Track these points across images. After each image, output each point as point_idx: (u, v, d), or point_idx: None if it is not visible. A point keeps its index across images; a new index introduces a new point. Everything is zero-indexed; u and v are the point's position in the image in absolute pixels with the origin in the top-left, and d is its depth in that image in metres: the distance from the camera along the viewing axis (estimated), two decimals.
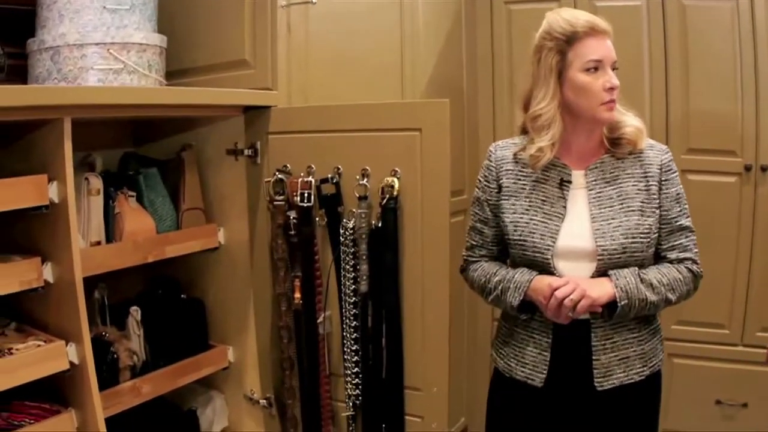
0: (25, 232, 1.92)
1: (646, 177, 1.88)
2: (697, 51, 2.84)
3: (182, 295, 2.40)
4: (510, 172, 1.95)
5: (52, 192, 1.81)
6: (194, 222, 2.31)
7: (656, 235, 1.87)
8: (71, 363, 1.86)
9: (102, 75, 2.03)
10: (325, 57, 2.39)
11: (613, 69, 1.83)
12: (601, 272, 1.84)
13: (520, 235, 1.90)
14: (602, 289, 1.80)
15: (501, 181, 1.96)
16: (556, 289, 1.78)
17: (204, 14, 2.39)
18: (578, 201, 1.89)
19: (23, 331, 1.93)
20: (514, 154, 1.95)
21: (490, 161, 1.99)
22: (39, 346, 1.83)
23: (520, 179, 1.94)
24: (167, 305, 2.34)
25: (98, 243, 2.05)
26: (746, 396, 2.95)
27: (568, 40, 1.82)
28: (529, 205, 1.91)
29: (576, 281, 1.79)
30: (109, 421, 1.98)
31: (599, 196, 1.88)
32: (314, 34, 2.33)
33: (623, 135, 1.89)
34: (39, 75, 2.03)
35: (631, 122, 1.90)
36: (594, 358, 1.88)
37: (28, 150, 1.89)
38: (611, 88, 1.81)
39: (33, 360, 1.79)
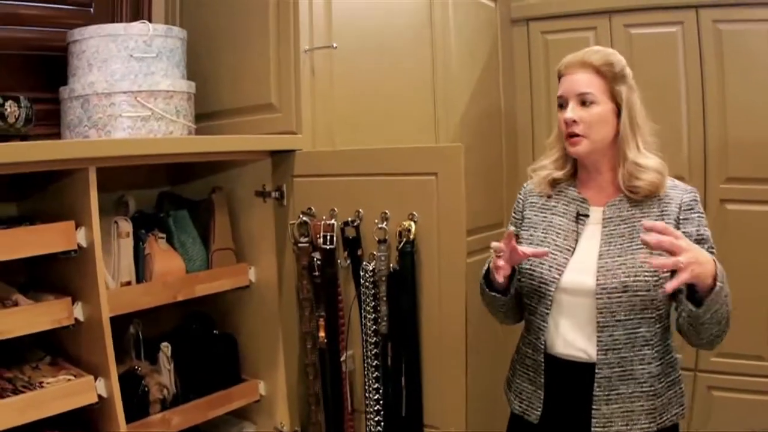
0: (58, 274, 2.04)
1: (662, 216, 1.85)
2: (734, 77, 2.81)
3: (215, 331, 2.48)
4: (534, 204, 2.05)
5: (80, 237, 1.92)
6: (224, 261, 2.39)
7: (667, 274, 1.76)
8: (100, 396, 1.95)
9: (130, 122, 2.14)
10: (352, 99, 2.45)
11: (583, 103, 1.88)
12: (601, 311, 1.82)
13: (530, 266, 1.93)
14: (707, 268, 1.64)
15: (525, 212, 2.06)
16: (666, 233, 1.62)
17: (232, 58, 2.48)
18: (592, 237, 1.91)
19: (56, 364, 2.04)
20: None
21: (520, 193, 2.13)
22: (69, 380, 1.93)
23: (542, 211, 2.02)
24: (200, 340, 2.42)
25: (128, 283, 2.14)
26: None
27: (558, 78, 1.98)
28: (545, 237, 1.96)
29: (695, 250, 1.63)
30: None
31: (611, 234, 1.88)
32: (340, 77, 2.39)
33: (639, 188, 1.87)
34: (70, 122, 2.15)
35: (646, 174, 1.86)
36: (594, 407, 1.85)
37: (60, 195, 2.00)
38: (566, 122, 1.89)
39: (62, 393, 1.89)
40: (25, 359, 2.02)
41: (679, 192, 1.89)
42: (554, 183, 2.03)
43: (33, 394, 1.84)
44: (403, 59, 2.66)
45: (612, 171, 1.93)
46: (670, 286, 1.60)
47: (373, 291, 2.17)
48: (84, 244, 1.92)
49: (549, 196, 2.01)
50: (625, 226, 1.87)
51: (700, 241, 1.81)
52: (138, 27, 2.15)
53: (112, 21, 2.42)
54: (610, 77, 1.87)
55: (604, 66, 1.87)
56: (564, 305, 1.90)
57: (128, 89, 2.13)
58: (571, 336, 1.90)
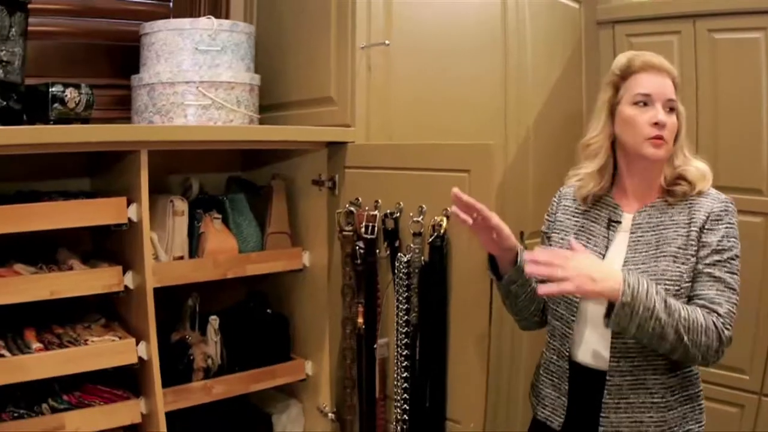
0: (115, 245, 2.25)
1: (690, 223, 1.80)
2: None
3: (268, 310, 2.62)
4: (567, 208, 2.02)
5: (131, 212, 2.10)
6: (279, 244, 2.52)
7: (689, 284, 1.75)
8: (140, 358, 2.14)
9: (192, 110, 2.32)
10: (412, 95, 2.51)
11: (670, 110, 1.83)
12: None
13: None
14: (594, 285, 1.63)
15: (557, 215, 2.04)
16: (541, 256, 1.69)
17: (297, 53, 2.61)
18: (621, 244, 1.88)
19: (108, 327, 2.24)
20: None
21: (555, 197, 2.10)
22: (113, 341, 2.12)
23: (575, 216, 2.00)
24: (253, 317, 2.58)
25: (181, 258, 2.32)
26: None
27: (623, 75, 1.89)
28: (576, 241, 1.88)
29: (572, 260, 1.66)
30: (195, 411, 2.31)
31: (638, 241, 1.84)
32: (398, 74, 2.46)
33: (684, 174, 1.84)
34: (138, 108, 2.35)
35: (695, 164, 1.86)
36: (602, 415, 1.82)
37: (119, 174, 2.20)
38: (656, 123, 1.80)
39: (102, 352, 2.08)
40: (81, 320, 2.23)
41: (710, 201, 1.82)
42: (591, 198, 1.97)
43: (74, 349, 2.04)
44: (470, 59, 2.68)
45: (657, 176, 1.87)
46: (542, 290, 1.65)
47: (406, 282, 2.22)
48: (135, 218, 2.10)
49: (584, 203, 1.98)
50: (653, 233, 1.84)
51: (719, 251, 1.76)
52: (203, 22, 2.33)
53: (190, 16, 2.60)
54: (677, 87, 1.87)
55: (676, 77, 1.88)
56: (589, 312, 1.87)
57: (190, 79, 2.31)
58: (594, 344, 1.87)
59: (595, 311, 1.83)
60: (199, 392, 2.32)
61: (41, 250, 2.17)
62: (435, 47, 2.57)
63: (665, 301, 1.66)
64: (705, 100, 2.74)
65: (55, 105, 2.03)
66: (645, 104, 1.83)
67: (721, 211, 1.80)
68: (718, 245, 1.77)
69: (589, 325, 1.88)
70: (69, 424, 2.03)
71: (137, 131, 2.10)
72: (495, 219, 1.86)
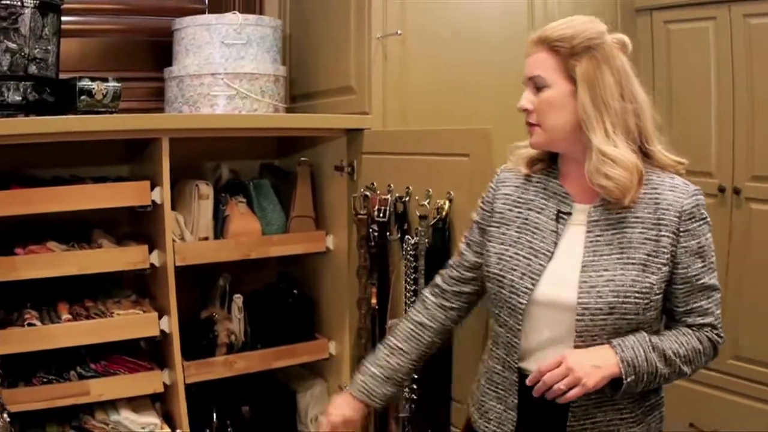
0: (144, 226, 2.42)
1: (659, 224, 1.55)
2: None
3: (294, 291, 2.73)
4: (508, 197, 1.73)
5: (155, 195, 2.27)
6: (303, 228, 2.64)
7: (659, 296, 1.56)
8: (162, 331, 2.30)
9: (218, 100, 2.46)
10: (430, 84, 2.57)
11: (539, 87, 1.60)
12: (580, 334, 1.55)
13: (500, 270, 1.66)
14: (601, 372, 1.50)
15: (496, 205, 1.75)
16: (543, 373, 1.52)
17: (323, 45, 2.73)
18: (574, 241, 1.62)
19: (137, 302, 2.41)
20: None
21: (492, 182, 1.81)
22: (137, 314, 2.30)
23: (517, 205, 1.71)
24: (280, 298, 2.70)
25: (206, 239, 2.46)
26: None
27: None
28: (518, 237, 1.67)
29: (569, 360, 1.50)
30: (221, 383, 2.47)
31: (597, 241, 1.58)
32: (415, 62, 2.54)
33: (607, 190, 1.54)
34: (169, 99, 2.52)
35: (614, 170, 1.52)
36: None
37: (147, 160, 2.37)
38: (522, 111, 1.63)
39: (126, 324, 2.26)
40: (112, 295, 2.41)
41: (679, 195, 1.57)
42: (533, 162, 1.72)
43: (99, 320, 2.23)
44: (494, 47, 2.69)
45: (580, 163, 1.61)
46: (564, 399, 1.50)
47: (414, 264, 2.29)
48: (159, 201, 2.27)
49: (527, 181, 1.71)
50: (614, 232, 1.57)
51: (702, 253, 1.57)
52: (229, 17, 2.47)
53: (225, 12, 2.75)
54: (565, 53, 1.57)
55: (558, 41, 1.57)
56: (538, 319, 1.62)
57: (216, 71, 2.45)
58: (546, 354, 1.61)
59: (545, 317, 1.61)
60: (221, 366, 2.47)
61: (77, 230, 2.37)
62: (454, 35, 2.62)
63: (664, 356, 1.54)
64: (740, 87, 2.66)
65: (83, 97, 2.21)
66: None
67: (693, 207, 1.56)
68: (699, 249, 1.57)
69: (538, 333, 1.63)
70: (93, 390, 2.22)
71: (156, 120, 2.26)
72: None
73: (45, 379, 2.19)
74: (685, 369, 1.58)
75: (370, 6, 2.45)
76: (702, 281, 1.57)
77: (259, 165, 2.86)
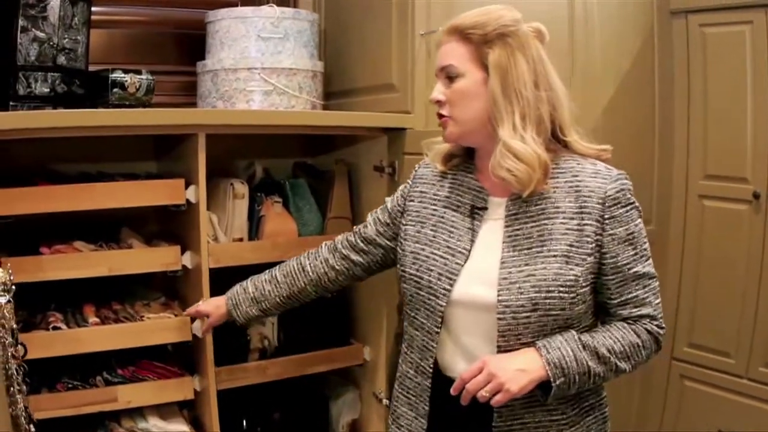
0: (175, 226, 2.32)
1: (581, 213, 1.50)
2: None
3: (329, 294, 2.63)
4: (424, 195, 1.71)
5: (189, 194, 2.16)
6: (339, 229, 2.51)
7: (586, 288, 1.50)
8: (195, 336, 2.20)
9: (254, 96, 2.36)
10: None
11: (451, 77, 1.55)
12: (503, 333, 1.49)
13: (417, 271, 1.62)
14: (527, 375, 1.44)
15: (412, 203, 1.72)
16: (466, 380, 1.45)
17: (362, 41, 2.63)
18: (492, 237, 1.57)
19: (167, 305, 2.31)
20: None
21: (410, 178, 1.80)
22: (168, 318, 2.19)
23: (433, 203, 1.68)
24: (314, 301, 2.60)
25: (240, 239, 2.37)
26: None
27: None
28: (434, 236, 1.63)
29: (491, 365, 1.44)
30: (251, 389, 2.36)
31: (516, 235, 1.53)
32: None
33: (506, 181, 1.50)
34: (202, 93, 2.43)
35: (513, 163, 1.47)
36: None
37: (180, 157, 2.27)
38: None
39: (156, 328, 2.16)
40: (140, 297, 2.31)
41: (601, 182, 1.51)
42: (449, 158, 1.69)
43: (128, 324, 2.13)
44: None
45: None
46: (495, 401, 1.42)
47: None
48: (193, 200, 2.17)
49: (443, 178, 1.68)
50: (534, 224, 1.53)
51: (631, 240, 1.52)
52: (266, 10, 2.38)
53: (258, 5, 2.65)
54: (478, 41, 1.52)
55: (470, 29, 1.52)
56: (456, 321, 1.58)
57: (252, 66, 2.36)
58: (466, 357, 1.57)
59: (464, 318, 1.56)
60: (253, 372, 2.38)
61: (105, 229, 2.27)
62: None
63: (596, 354, 1.49)
64: None
65: (115, 90, 2.12)
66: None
67: (618, 192, 1.51)
68: (629, 236, 1.52)
69: (456, 335, 1.59)
70: (121, 397, 2.11)
71: (193, 115, 2.17)
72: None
73: (70, 385, 2.09)
74: (623, 366, 1.52)
75: (413, 2, 2.35)
76: (634, 270, 1.52)
77: (292, 164, 2.76)
